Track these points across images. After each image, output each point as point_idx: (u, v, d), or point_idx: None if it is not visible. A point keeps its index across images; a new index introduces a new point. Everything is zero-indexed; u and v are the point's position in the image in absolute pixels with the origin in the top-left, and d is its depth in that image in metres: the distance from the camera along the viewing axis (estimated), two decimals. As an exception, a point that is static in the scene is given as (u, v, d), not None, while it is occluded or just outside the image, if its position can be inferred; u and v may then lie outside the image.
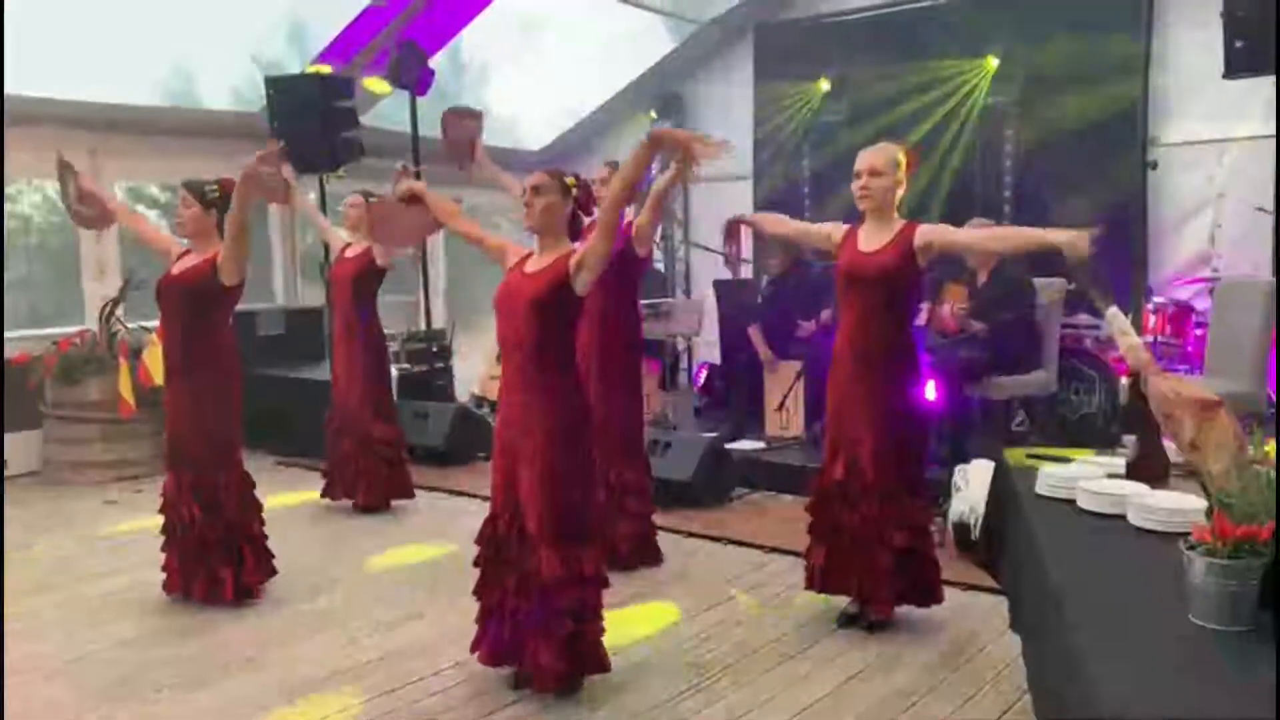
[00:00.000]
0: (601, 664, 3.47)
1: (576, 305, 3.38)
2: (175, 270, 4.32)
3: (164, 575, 4.39)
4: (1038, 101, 7.62)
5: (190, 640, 4.03)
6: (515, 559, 3.39)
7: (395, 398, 6.27)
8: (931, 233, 3.79)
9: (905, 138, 6.36)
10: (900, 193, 3.89)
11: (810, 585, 4.07)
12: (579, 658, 3.39)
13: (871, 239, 3.87)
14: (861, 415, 3.86)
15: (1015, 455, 3.31)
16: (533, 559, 3.34)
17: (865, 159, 3.85)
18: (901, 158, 3.86)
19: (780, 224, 4.30)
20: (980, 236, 4.15)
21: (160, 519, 4.41)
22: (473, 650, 3.52)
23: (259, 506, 4.50)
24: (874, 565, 3.86)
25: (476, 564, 3.51)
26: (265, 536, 4.51)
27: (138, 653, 3.91)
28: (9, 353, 6.65)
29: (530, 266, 3.42)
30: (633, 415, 4.79)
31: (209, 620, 4.22)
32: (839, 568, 3.96)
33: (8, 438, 6.32)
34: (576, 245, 3.42)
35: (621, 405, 4.67)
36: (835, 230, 4.05)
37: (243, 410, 4.44)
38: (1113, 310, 2.95)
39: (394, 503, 5.96)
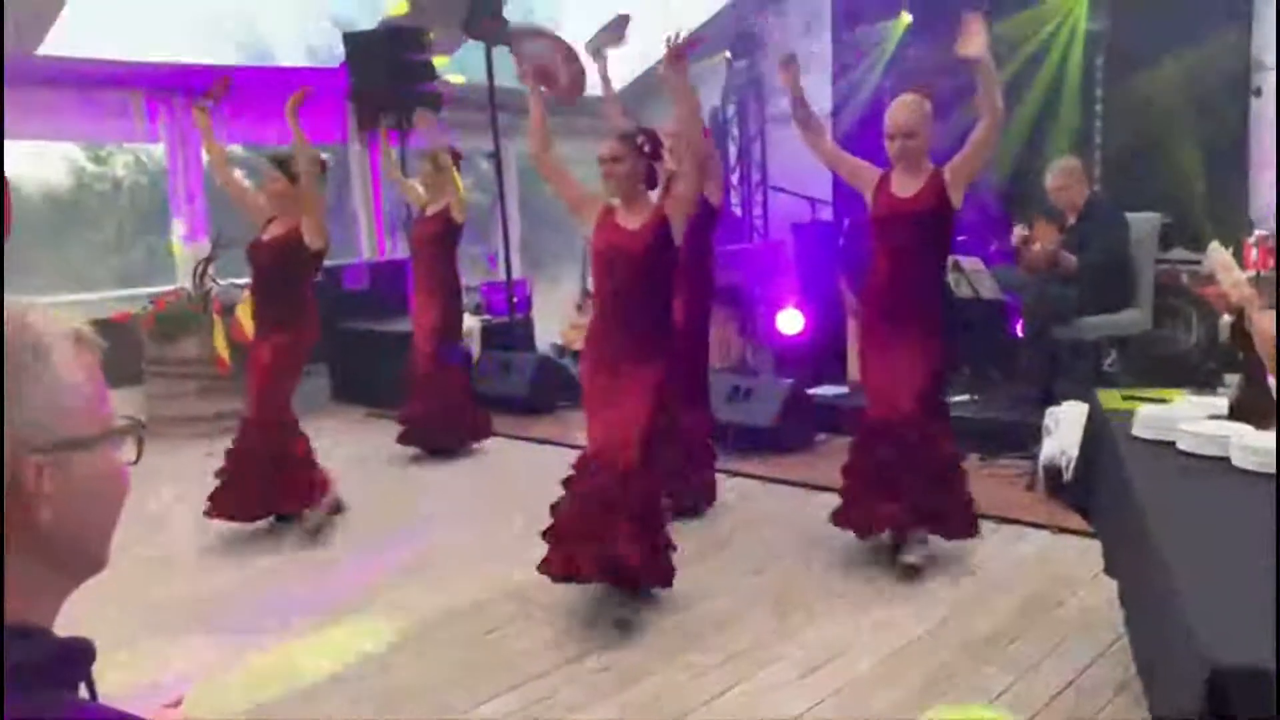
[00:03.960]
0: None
1: (674, 254, 3.63)
2: (265, 236, 4.68)
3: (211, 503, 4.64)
4: (1132, 26, 7.25)
5: (281, 588, 4.18)
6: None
7: (479, 348, 6.37)
8: (950, 166, 3.84)
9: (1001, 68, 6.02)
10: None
11: (835, 519, 4.09)
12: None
13: (906, 185, 3.91)
14: (896, 360, 3.92)
15: (1110, 397, 3.23)
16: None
17: (897, 120, 3.85)
18: (929, 109, 3.89)
19: (821, 138, 4.21)
20: (977, 136, 3.84)
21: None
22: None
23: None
24: (903, 492, 3.88)
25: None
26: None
27: (246, 591, 4.08)
28: (106, 312, 6.89)
29: (629, 224, 3.62)
30: (700, 361, 4.81)
31: (304, 568, 4.38)
32: (868, 502, 3.98)
33: (112, 393, 6.58)
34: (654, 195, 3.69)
35: (689, 352, 4.64)
36: (867, 171, 4.04)
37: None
38: (1214, 244, 2.84)
39: (476, 447, 6.10)
